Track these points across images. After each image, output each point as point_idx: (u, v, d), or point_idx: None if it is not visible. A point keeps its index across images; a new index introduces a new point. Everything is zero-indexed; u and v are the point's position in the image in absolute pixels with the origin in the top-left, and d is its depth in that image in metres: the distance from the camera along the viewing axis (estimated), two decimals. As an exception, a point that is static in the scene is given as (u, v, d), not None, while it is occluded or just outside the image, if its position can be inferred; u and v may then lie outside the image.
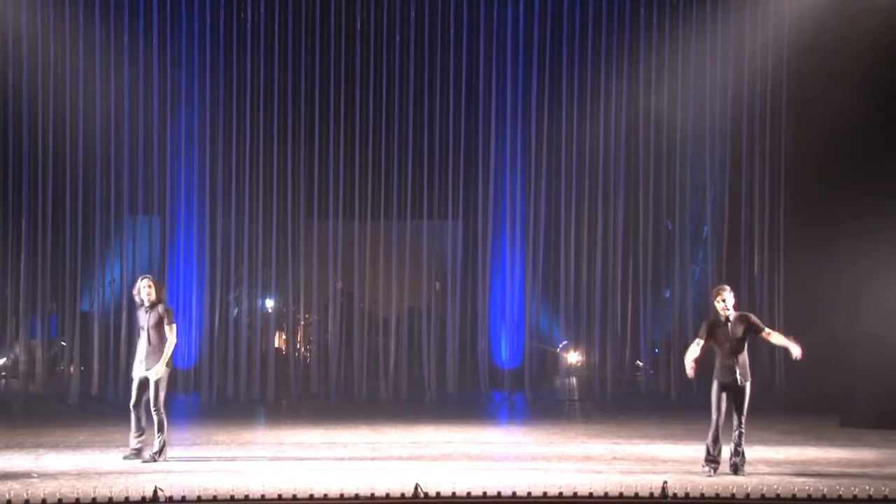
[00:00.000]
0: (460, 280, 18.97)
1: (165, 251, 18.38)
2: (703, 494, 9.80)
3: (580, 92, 18.76)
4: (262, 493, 9.60)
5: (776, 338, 11.46)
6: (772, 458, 12.33)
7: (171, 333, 11.82)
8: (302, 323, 19.08)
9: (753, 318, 11.44)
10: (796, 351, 11.35)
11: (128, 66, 18.08)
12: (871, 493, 9.81)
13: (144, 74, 18.17)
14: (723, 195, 18.78)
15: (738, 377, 11.22)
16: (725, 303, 11.25)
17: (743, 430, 11.23)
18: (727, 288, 11.41)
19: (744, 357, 11.27)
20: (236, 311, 18.53)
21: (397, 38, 18.63)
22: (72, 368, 17.98)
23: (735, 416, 11.27)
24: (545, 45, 18.86)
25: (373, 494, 9.61)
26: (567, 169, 18.85)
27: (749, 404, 11.31)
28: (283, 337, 19.19)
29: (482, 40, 18.81)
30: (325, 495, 9.60)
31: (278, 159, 18.51)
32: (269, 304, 19.31)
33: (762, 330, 11.36)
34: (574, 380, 19.01)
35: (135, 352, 12.08)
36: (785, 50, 18.04)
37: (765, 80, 18.39)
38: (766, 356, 18.27)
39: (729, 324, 11.26)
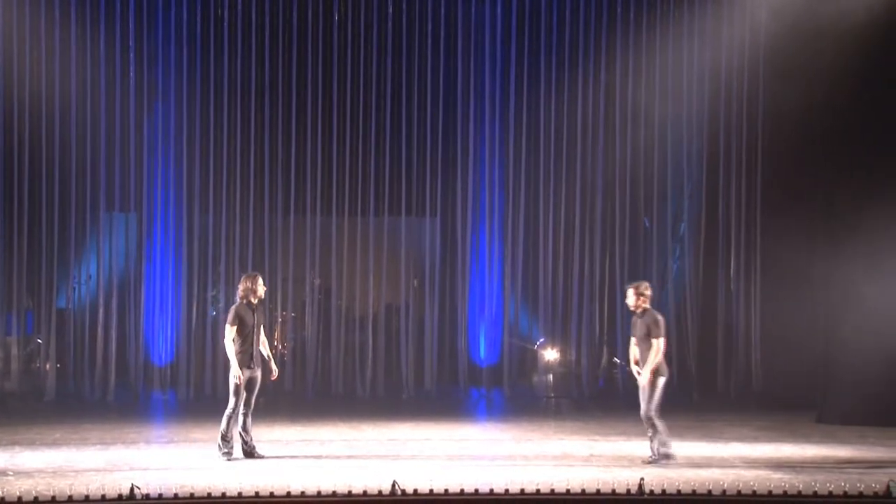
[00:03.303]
0: (438, 277, 18.98)
1: (142, 248, 18.32)
2: (679, 491, 9.83)
3: (558, 89, 18.79)
4: (239, 490, 9.58)
5: (652, 352, 11.63)
6: (748, 455, 12.38)
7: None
8: (279, 320, 19.03)
9: (651, 320, 11.66)
10: (643, 377, 11.64)
11: (104, 62, 18.00)
12: (846, 489, 9.86)
13: (121, 71, 18.10)
14: (700, 192, 18.84)
15: (635, 370, 11.73)
16: (626, 300, 11.82)
17: (652, 422, 11.62)
18: (632, 285, 11.87)
19: (643, 352, 11.65)
20: (213, 311, 18.46)
21: (375, 34, 18.61)
22: (48, 366, 17.89)
23: (643, 407, 11.74)
24: (523, 41, 18.88)
25: (350, 492, 9.60)
26: (545, 166, 18.87)
27: (647, 400, 11.63)
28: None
29: (460, 36, 18.82)
30: (303, 492, 9.59)
31: (255, 156, 18.47)
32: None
33: (652, 336, 11.61)
34: (552, 377, 19.02)
35: (251, 355, 11.89)
36: (762, 48, 18.10)
37: (741, 77, 18.45)
38: (742, 353, 18.37)
39: (637, 319, 11.73)
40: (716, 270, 18.61)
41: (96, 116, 18.03)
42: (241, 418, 11.90)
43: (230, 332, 11.80)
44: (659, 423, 11.66)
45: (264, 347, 12.09)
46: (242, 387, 11.78)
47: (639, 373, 11.73)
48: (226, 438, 11.76)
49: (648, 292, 11.75)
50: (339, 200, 18.66)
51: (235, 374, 11.74)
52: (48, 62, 17.75)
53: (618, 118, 18.82)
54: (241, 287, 12.04)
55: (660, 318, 11.70)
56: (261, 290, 12.04)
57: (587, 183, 18.87)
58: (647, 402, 11.63)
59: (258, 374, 11.98)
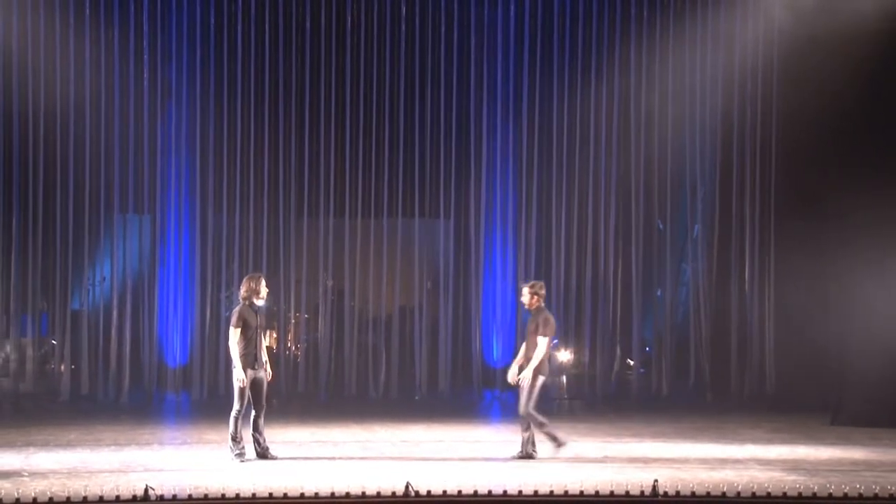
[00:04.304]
0: (452, 279, 18.97)
1: (156, 250, 18.36)
2: (693, 493, 9.81)
3: (571, 91, 18.78)
4: (252, 491, 9.59)
5: (537, 350, 11.81)
6: (762, 456, 12.35)
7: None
8: (293, 321, 19.05)
9: (542, 318, 11.88)
10: (525, 374, 11.79)
11: (118, 63, 18.06)
12: (861, 491, 9.83)
13: (135, 72, 18.15)
14: (713, 194, 18.82)
15: (518, 369, 11.90)
16: (521, 297, 12.07)
17: (521, 420, 11.92)
18: (528, 283, 12.18)
19: (528, 351, 11.83)
20: (228, 313, 18.47)
21: (388, 36, 18.63)
22: (62, 367, 17.96)
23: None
24: (536, 44, 18.87)
25: (364, 493, 9.60)
26: (558, 168, 18.87)
27: (526, 398, 11.79)
28: (275, 335, 19.17)
29: (473, 39, 18.82)
30: (316, 494, 9.59)
31: (269, 157, 18.50)
32: (260, 302, 19.23)
33: (538, 334, 11.80)
34: (565, 378, 19.02)
35: (254, 357, 11.84)
36: (775, 50, 18.08)
37: (755, 79, 18.44)
38: (756, 354, 18.34)
39: (530, 317, 12.00)
40: (729, 272, 18.58)
41: (110, 118, 18.08)
42: (253, 420, 11.91)
43: (234, 335, 11.77)
44: (535, 421, 11.90)
45: (263, 351, 12.08)
46: (247, 388, 11.78)
47: (518, 375, 11.93)
48: (235, 439, 11.77)
49: (543, 291, 12.08)
50: (352, 202, 18.68)
51: (239, 378, 11.72)
52: (62, 64, 17.81)
53: (631, 120, 18.80)
54: (243, 288, 12.00)
55: (550, 318, 11.97)
56: (263, 290, 12.02)
57: (600, 185, 18.85)
58: (526, 400, 11.83)
59: (262, 374, 11.96)
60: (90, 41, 17.94)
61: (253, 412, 11.88)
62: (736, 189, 18.62)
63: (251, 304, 11.90)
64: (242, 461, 11.65)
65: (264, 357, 12.04)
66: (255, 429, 11.90)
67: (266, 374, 12.06)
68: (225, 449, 11.97)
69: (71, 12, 17.78)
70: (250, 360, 11.78)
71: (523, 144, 18.89)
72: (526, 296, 12.02)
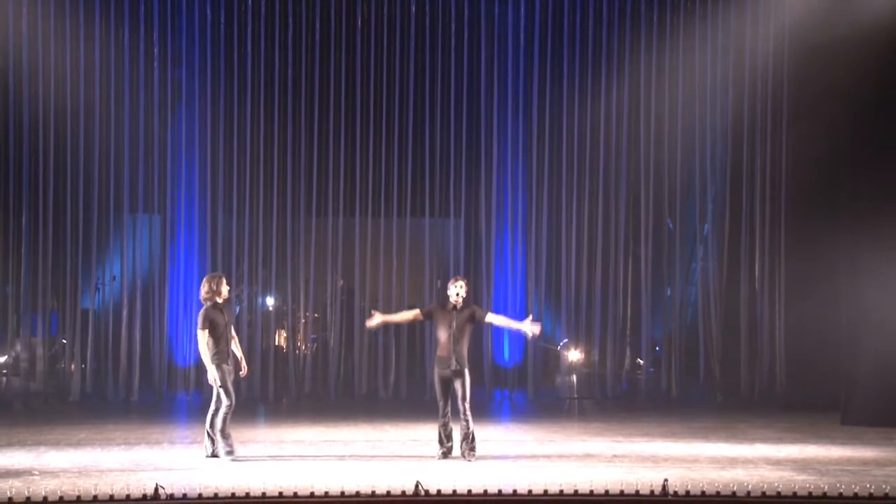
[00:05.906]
0: (462, 278, 18.94)
1: (166, 249, 18.38)
2: (703, 492, 9.81)
3: (581, 90, 18.77)
4: (262, 490, 9.60)
5: (499, 319, 12.40)
6: (772, 456, 12.34)
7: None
8: (302, 321, 19.07)
9: (477, 308, 12.14)
10: (527, 328, 12.15)
11: (128, 64, 18.09)
12: (871, 490, 9.82)
13: (145, 73, 18.18)
14: (723, 193, 18.79)
15: (454, 363, 11.96)
16: (458, 294, 11.98)
17: (468, 417, 11.94)
18: (463, 279, 12.16)
19: (461, 346, 11.95)
20: (237, 308, 18.51)
21: (398, 35, 18.64)
22: (73, 366, 17.98)
23: (460, 403, 11.95)
24: (546, 43, 18.86)
25: (373, 492, 9.62)
26: (568, 167, 18.85)
27: (469, 390, 11.99)
28: (284, 335, 19.19)
29: (483, 38, 18.82)
30: (326, 493, 9.61)
31: (279, 157, 18.52)
32: (270, 301, 19.31)
33: (484, 315, 12.09)
34: (575, 378, 19.01)
35: (227, 353, 11.96)
36: (786, 48, 18.05)
37: (765, 78, 18.40)
38: (766, 354, 18.31)
39: (454, 312, 11.96)
40: (739, 272, 18.54)
41: (120, 118, 18.11)
42: (220, 415, 11.92)
43: (203, 337, 11.84)
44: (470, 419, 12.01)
45: (236, 346, 12.14)
46: (230, 384, 11.85)
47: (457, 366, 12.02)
48: (225, 434, 11.82)
49: (468, 287, 12.23)
50: (362, 201, 18.69)
51: (213, 377, 11.82)
52: (73, 64, 17.85)
53: (641, 119, 18.78)
54: (203, 289, 12.04)
55: (477, 310, 12.13)
56: (225, 290, 12.05)
57: (610, 184, 18.83)
58: (467, 398, 11.98)
59: (232, 370, 12.05)
60: (100, 41, 17.98)
61: (224, 407, 11.89)
62: (746, 188, 18.58)
63: (214, 304, 11.95)
64: (234, 458, 11.70)
65: (238, 352, 12.19)
66: (213, 425, 11.91)
67: (241, 369, 12.24)
68: (234, 447, 12.00)
69: (81, 13, 17.81)
70: (224, 356, 11.90)
71: (533, 143, 18.89)
72: (463, 290, 11.96)
